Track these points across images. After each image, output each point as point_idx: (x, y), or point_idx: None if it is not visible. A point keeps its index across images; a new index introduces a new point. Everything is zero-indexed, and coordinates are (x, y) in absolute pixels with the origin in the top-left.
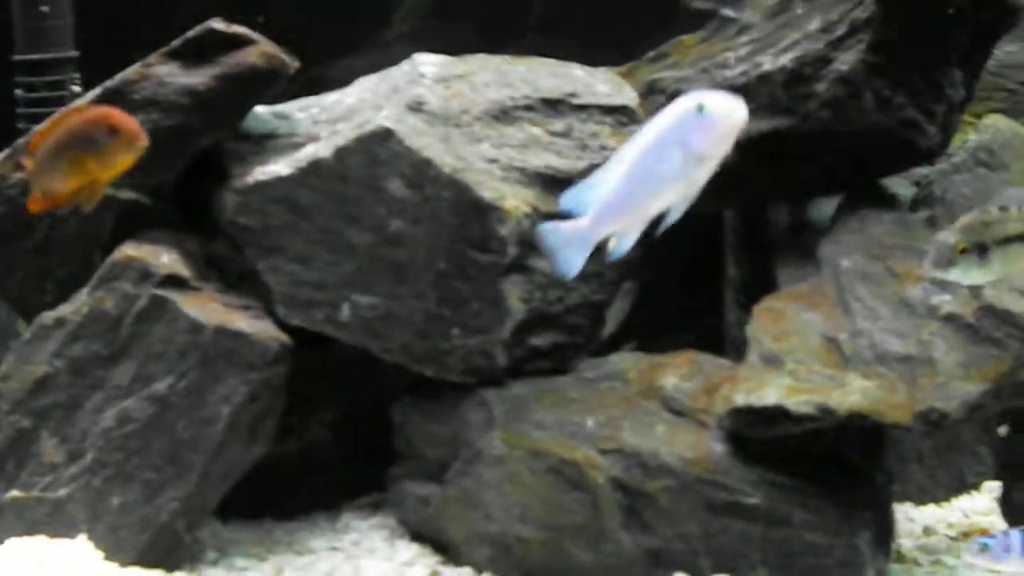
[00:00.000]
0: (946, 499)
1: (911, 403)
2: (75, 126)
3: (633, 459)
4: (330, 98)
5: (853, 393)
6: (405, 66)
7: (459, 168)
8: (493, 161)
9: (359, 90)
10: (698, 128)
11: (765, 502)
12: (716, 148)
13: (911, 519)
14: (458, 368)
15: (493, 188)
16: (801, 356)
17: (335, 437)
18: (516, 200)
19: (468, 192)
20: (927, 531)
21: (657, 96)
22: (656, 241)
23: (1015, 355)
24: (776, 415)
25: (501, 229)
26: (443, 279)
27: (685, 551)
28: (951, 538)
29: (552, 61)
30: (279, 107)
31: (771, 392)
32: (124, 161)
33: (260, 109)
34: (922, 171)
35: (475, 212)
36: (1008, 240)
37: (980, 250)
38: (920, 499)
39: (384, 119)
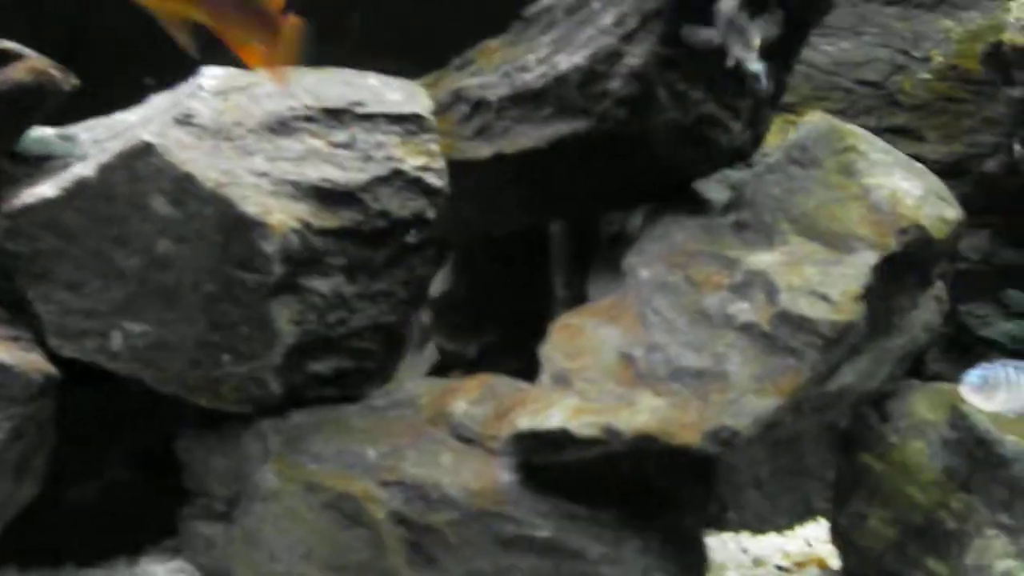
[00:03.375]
0: (789, 527)
1: (702, 422)
2: None
3: (414, 491)
4: (117, 117)
5: (641, 413)
6: (193, 79)
7: (223, 183)
8: (263, 175)
9: (146, 107)
10: None
11: (556, 534)
12: None
13: (745, 549)
14: (232, 397)
15: (258, 203)
16: (593, 375)
17: (139, 475)
18: (283, 215)
19: (231, 208)
20: (757, 562)
21: (461, 104)
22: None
23: (811, 366)
24: (561, 439)
25: (266, 246)
26: (212, 302)
27: None
28: (782, 569)
29: (348, 71)
30: (64, 129)
31: (555, 414)
32: None
33: (43, 130)
34: (740, 174)
35: (239, 229)
36: None
37: None
38: (759, 527)
39: (145, 133)
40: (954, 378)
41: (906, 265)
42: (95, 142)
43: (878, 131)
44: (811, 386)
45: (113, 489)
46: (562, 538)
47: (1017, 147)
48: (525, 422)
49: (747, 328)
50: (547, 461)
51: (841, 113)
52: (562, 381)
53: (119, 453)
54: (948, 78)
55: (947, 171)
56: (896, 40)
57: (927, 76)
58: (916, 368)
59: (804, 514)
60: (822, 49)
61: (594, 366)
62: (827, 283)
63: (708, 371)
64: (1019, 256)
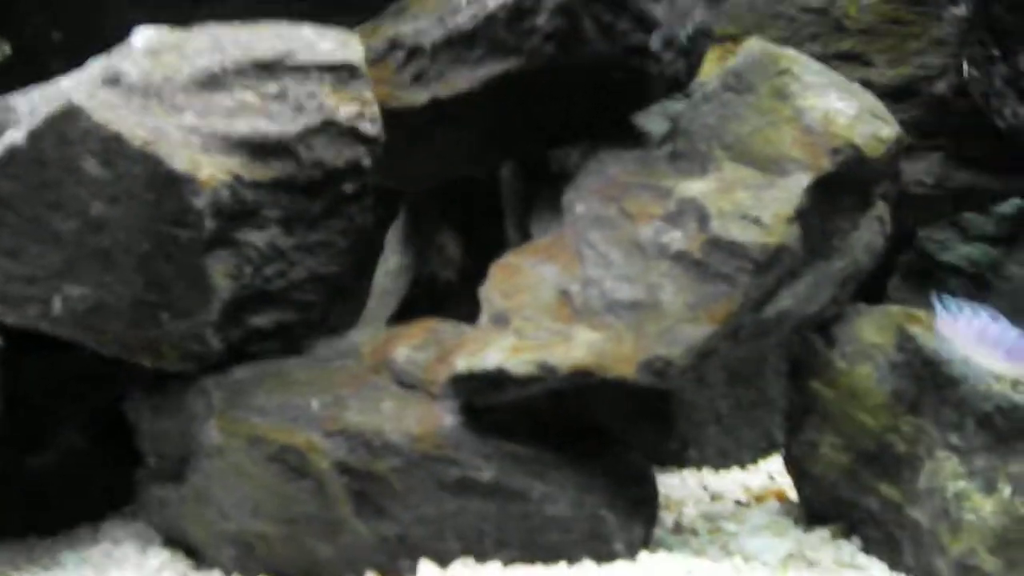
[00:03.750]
0: (752, 461)
1: (636, 353)
2: None
3: (356, 439)
4: (53, 83)
5: (577, 348)
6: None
7: (151, 141)
8: (193, 131)
9: (81, 71)
10: None
11: (499, 476)
12: None
13: (705, 486)
14: (173, 356)
15: (188, 159)
16: (530, 312)
17: (97, 442)
18: (214, 169)
19: (160, 165)
20: (715, 498)
21: (398, 52)
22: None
23: (744, 291)
24: (499, 378)
25: (196, 201)
26: (147, 261)
27: (427, 536)
28: (741, 503)
29: (283, 24)
30: (2, 98)
31: (492, 354)
32: None
33: None
34: (678, 105)
35: (169, 185)
36: None
37: None
38: (721, 463)
39: (72, 96)
40: (915, 303)
41: (842, 185)
42: (31, 110)
43: (824, 57)
44: (746, 312)
45: (71, 457)
46: (505, 480)
47: (965, 67)
48: (463, 363)
49: (680, 257)
50: (488, 402)
51: (786, 41)
52: (500, 321)
53: (73, 420)
54: (893, 0)
55: (896, 94)
56: None
57: None
58: (878, 295)
59: (767, 448)
60: None
61: (532, 304)
62: (759, 207)
63: (642, 302)
64: (973, 178)
